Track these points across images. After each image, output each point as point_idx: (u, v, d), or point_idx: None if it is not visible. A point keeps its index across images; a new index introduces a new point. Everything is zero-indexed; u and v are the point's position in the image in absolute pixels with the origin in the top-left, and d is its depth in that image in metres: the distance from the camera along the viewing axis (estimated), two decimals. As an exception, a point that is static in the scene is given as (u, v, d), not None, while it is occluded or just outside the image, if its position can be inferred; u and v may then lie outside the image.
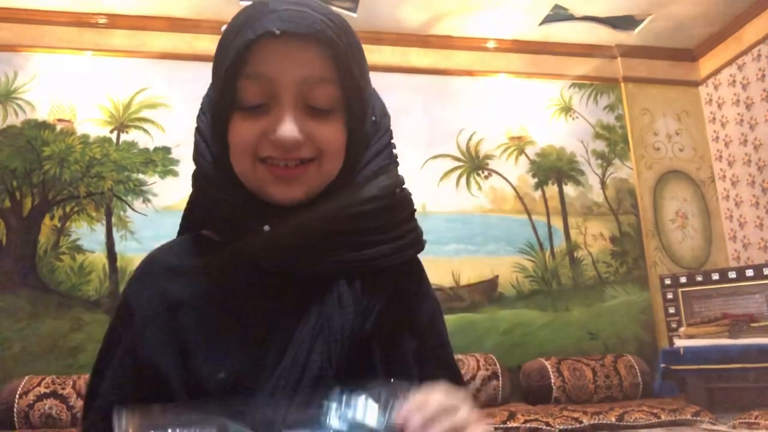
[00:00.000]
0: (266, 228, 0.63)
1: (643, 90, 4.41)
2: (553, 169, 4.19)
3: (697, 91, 4.51)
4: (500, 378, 3.42)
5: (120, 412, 0.48)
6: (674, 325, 3.76)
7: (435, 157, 4.03)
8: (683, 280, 3.77)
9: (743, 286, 3.52)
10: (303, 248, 0.64)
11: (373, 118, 0.70)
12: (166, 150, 3.71)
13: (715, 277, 3.64)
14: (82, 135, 3.63)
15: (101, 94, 3.70)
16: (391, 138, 0.73)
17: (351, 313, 0.64)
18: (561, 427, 2.92)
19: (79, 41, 3.71)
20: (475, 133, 4.12)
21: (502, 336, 3.79)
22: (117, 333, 0.67)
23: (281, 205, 0.64)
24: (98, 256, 3.50)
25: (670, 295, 3.83)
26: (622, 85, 4.39)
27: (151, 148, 3.70)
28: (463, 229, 3.94)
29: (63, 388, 3.00)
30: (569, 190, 4.19)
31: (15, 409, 2.91)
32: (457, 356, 3.44)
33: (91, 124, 3.66)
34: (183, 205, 0.74)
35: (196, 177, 0.69)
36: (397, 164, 0.73)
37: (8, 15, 3.59)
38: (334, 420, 0.51)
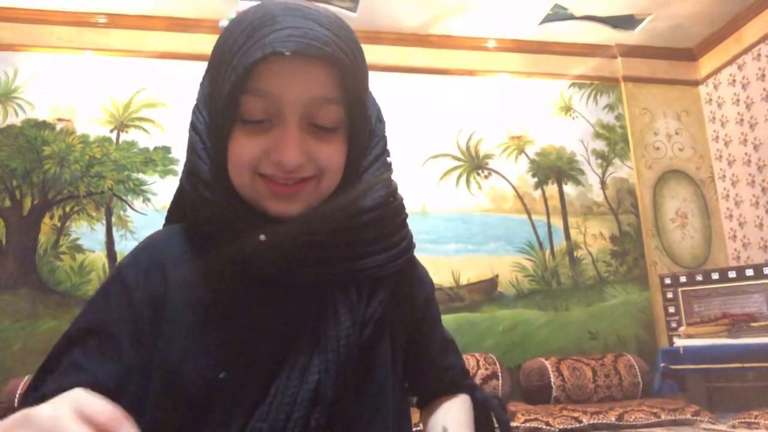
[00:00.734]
0: (262, 237, 0.62)
1: (643, 89, 4.41)
2: (553, 169, 4.19)
3: (697, 90, 4.51)
4: (500, 377, 3.42)
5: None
6: (674, 325, 3.76)
7: (435, 156, 4.03)
8: (683, 279, 3.77)
9: (743, 286, 3.52)
10: (297, 258, 0.63)
11: (370, 127, 0.70)
12: (166, 149, 3.71)
13: (715, 276, 3.65)
14: (82, 134, 3.63)
15: (101, 93, 3.70)
16: (386, 144, 0.72)
17: (348, 322, 0.63)
18: (561, 427, 2.92)
19: (79, 41, 3.71)
20: (474, 132, 4.12)
21: (502, 335, 3.79)
22: (110, 306, 0.63)
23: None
24: (98, 256, 3.50)
25: (669, 295, 3.83)
26: (622, 84, 4.39)
27: (151, 147, 3.70)
28: (462, 229, 3.95)
29: (63, 388, 3.00)
30: (569, 189, 4.19)
31: (15, 409, 2.90)
32: (457, 356, 3.46)
33: (91, 124, 3.66)
34: (183, 205, 0.73)
35: (189, 175, 0.67)
36: (391, 171, 0.72)
37: (8, 14, 3.60)
38: None
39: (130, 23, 3.77)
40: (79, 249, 3.49)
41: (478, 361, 3.46)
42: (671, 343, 3.66)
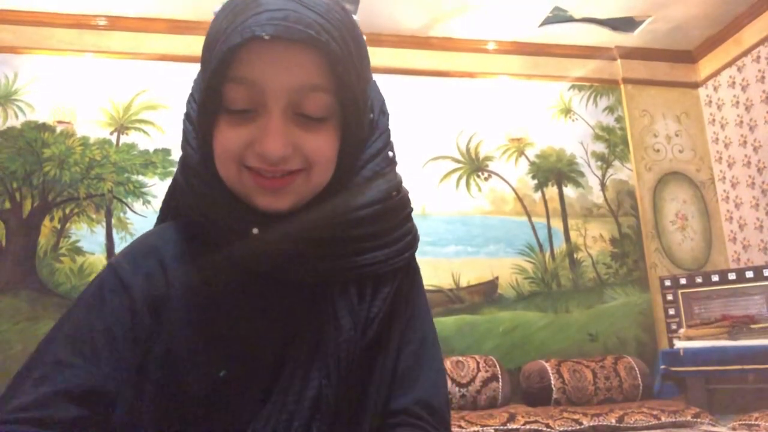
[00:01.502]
0: (255, 231, 0.60)
1: (642, 91, 4.41)
2: (553, 171, 4.19)
3: (697, 92, 4.52)
4: (500, 379, 3.42)
5: None
6: (674, 327, 3.76)
7: (435, 158, 4.03)
8: (683, 281, 3.77)
9: (743, 288, 3.52)
10: (293, 254, 0.61)
11: (371, 116, 0.66)
12: (166, 152, 3.71)
13: (715, 278, 3.64)
14: (82, 137, 3.63)
15: (101, 95, 3.70)
16: (390, 137, 0.69)
17: (348, 325, 0.61)
18: (561, 429, 2.92)
19: (80, 43, 3.71)
20: (474, 134, 4.12)
21: (502, 337, 3.79)
22: (103, 301, 0.61)
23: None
24: (98, 258, 3.50)
25: (669, 297, 3.82)
26: (622, 86, 4.39)
27: (151, 149, 3.71)
28: (462, 231, 3.94)
29: (63, 390, 3.00)
30: (569, 191, 4.19)
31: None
32: (457, 358, 3.46)
33: (92, 126, 3.66)
34: (183, 206, 0.73)
35: (183, 166, 0.65)
36: (395, 164, 0.69)
37: (9, 17, 3.60)
38: None
39: (130, 25, 3.78)
40: (79, 251, 3.49)
41: (478, 363, 3.46)
42: (671, 345, 3.65)
